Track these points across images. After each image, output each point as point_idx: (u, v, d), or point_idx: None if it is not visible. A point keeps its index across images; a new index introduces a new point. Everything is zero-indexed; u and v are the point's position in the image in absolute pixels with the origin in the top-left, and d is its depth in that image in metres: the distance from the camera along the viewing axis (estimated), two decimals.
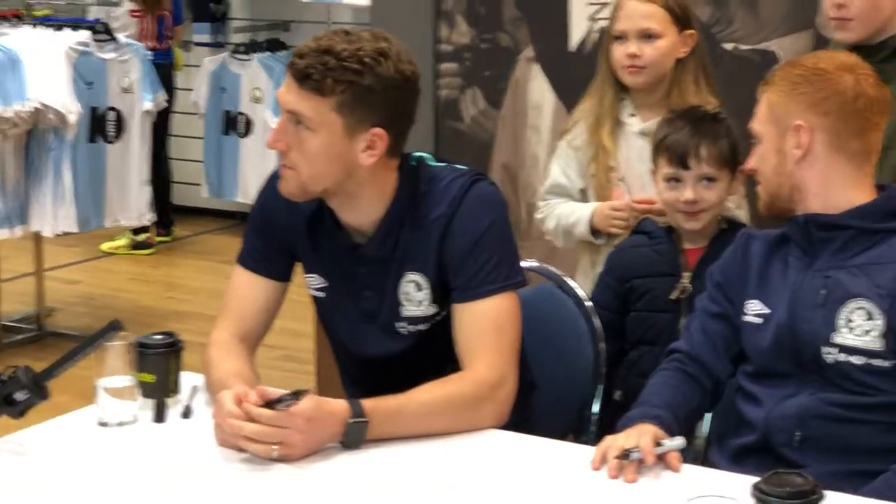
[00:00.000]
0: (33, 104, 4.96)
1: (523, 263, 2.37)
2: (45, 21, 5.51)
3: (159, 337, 2.26)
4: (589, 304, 2.64)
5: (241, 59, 7.17)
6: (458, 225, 2.20)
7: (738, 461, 2.12)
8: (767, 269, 2.15)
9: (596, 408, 2.58)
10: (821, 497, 1.67)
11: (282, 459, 1.98)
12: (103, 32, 5.36)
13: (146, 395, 2.21)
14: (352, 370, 2.43)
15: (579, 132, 2.93)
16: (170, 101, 6.22)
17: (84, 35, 5.25)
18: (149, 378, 2.22)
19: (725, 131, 2.60)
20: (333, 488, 1.94)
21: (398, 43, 2.17)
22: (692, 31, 2.86)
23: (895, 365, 2.00)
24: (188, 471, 2.00)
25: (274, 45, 7.24)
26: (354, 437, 2.03)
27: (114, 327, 2.13)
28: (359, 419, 2.03)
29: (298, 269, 2.37)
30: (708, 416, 2.37)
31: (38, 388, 2.06)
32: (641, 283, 2.64)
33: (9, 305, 5.63)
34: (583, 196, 2.94)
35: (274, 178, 2.31)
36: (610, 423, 2.17)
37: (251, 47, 7.21)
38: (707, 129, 2.59)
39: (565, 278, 2.69)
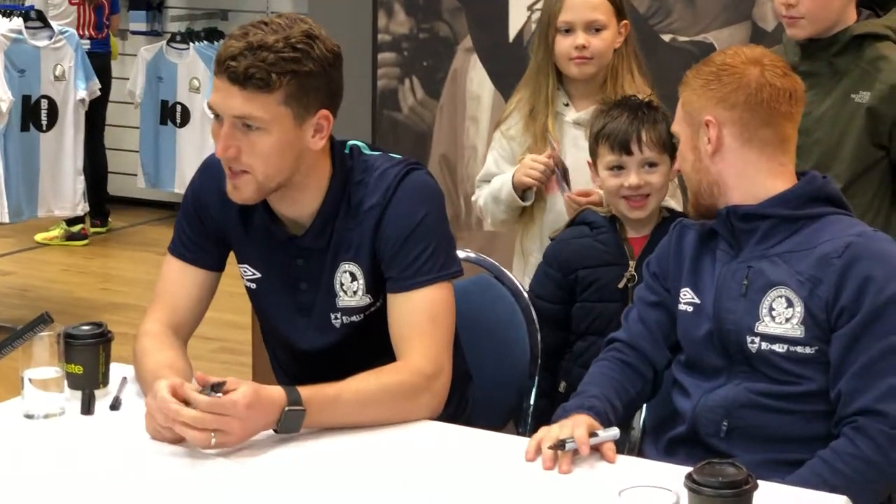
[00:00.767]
0: None
1: (461, 254, 2.36)
2: None
3: (88, 328, 2.21)
4: (526, 295, 2.64)
5: (178, 49, 7.10)
6: (392, 215, 2.18)
7: (669, 452, 2.14)
8: (698, 261, 2.17)
9: (532, 399, 2.58)
10: (754, 486, 1.67)
11: (217, 447, 1.95)
12: (37, 20, 5.27)
13: (74, 386, 2.17)
14: (285, 362, 2.40)
15: (514, 122, 2.95)
16: (108, 90, 6.14)
17: (16, 22, 5.16)
18: (77, 369, 2.18)
19: (662, 117, 2.64)
20: (265, 478, 1.91)
21: (313, 22, 2.16)
22: (626, 21, 2.91)
23: (817, 352, 2.02)
24: (116, 464, 1.97)
25: (212, 35, 7.18)
26: (290, 425, 2.01)
27: (43, 319, 2.09)
28: (296, 407, 2.00)
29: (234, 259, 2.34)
30: (645, 407, 2.38)
31: None
32: (587, 274, 2.65)
33: None
34: None
35: (207, 167, 2.27)
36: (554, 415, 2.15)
37: (188, 36, 7.13)
38: (645, 116, 2.63)
39: (503, 269, 2.69)
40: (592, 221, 2.69)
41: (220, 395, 1.95)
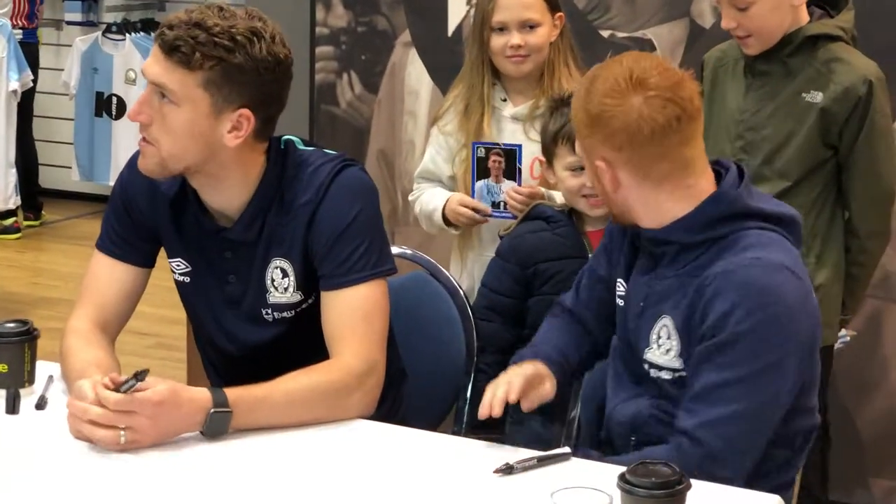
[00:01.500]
0: None
1: (397, 250, 2.35)
2: None
3: (12, 325, 2.16)
4: (462, 292, 2.63)
5: (113, 40, 7.01)
6: (325, 211, 2.16)
7: (600, 450, 2.13)
8: (633, 256, 2.14)
9: (469, 396, 2.56)
10: (688, 486, 1.66)
11: (129, 447, 1.91)
12: None
13: None
14: (216, 359, 2.37)
15: (450, 118, 2.96)
16: (35, 80, 6.03)
17: None
18: (1, 368, 2.12)
19: None
20: (192, 480, 1.87)
21: (274, 25, 2.12)
22: (560, 14, 2.91)
23: None
24: (42, 464, 1.92)
25: (148, 25, 7.09)
26: (217, 427, 1.97)
27: None
28: (221, 409, 1.97)
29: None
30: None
31: None
32: (548, 267, 2.65)
33: None
34: (452, 182, 2.97)
35: (136, 159, 2.23)
36: (506, 411, 2.12)
37: (124, 27, 7.05)
38: None
39: (439, 266, 2.68)
40: (550, 216, 2.70)
41: (131, 391, 1.90)
